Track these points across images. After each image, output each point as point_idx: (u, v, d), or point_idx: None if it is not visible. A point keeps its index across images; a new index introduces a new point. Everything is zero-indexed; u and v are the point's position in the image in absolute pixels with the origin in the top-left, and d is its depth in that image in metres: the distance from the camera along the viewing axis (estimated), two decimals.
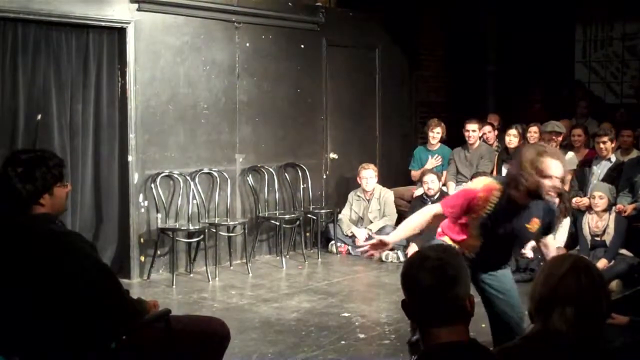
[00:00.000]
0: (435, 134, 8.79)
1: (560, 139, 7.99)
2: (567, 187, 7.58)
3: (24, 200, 3.04)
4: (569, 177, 7.78)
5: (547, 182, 4.09)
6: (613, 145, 7.63)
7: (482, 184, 4.27)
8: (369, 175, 8.39)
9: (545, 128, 8.01)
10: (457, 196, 4.33)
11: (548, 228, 4.43)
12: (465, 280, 2.28)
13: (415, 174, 8.94)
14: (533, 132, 8.38)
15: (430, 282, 2.22)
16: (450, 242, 4.32)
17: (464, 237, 4.29)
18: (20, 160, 3.08)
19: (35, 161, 3.08)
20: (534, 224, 4.28)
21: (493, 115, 9.87)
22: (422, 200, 7.91)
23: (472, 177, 7.73)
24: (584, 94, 10.76)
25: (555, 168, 4.10)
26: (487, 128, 8.98)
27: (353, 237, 8.36)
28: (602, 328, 2.43)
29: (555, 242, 7.08)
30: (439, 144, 8.94)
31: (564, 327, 2.31)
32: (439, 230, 4.44)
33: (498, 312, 4.37)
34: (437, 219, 4.33)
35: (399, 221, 8.38)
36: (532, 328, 2.45)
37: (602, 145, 7.54)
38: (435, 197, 7.81)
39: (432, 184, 7.96)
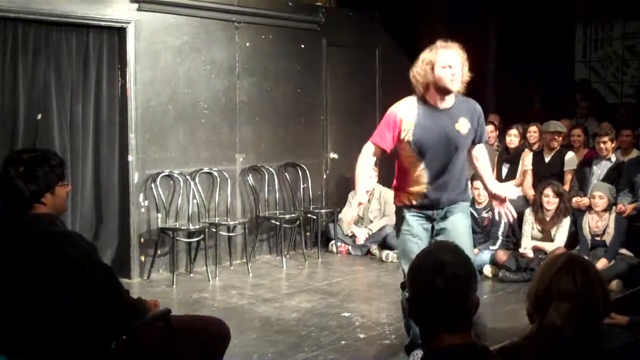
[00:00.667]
0: None
1: (561, 138, 7.99)
2: (567, 187, 7.60)
3: (26, 200, 3.04)
4: (569, 177, 7.79)
5: (445, 73, 4.23)
6: (613, 145, 7.63)
7: (399, 103, 4.42)
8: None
9: (547, 128, 8.01)
10: (380, 124, 4.44)
11: (479, 135, 4.51)
12: (476, 284, 2.25)
13: None
14: (533, 131, 8.38)
15: (443, 289, 2.17)
16: (406, 199, 4.48)
17: (409, 176, 4.42)
18: (22, 159, 3.08)
19: (37, 160, 3.08)
20: (463, 125, 4.38)
21: (493, 114, 9.86)
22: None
23: (472, 177, 7.71)
24: (590, 93, 10.75)
25: (447, 55, 4.27)
26: (490, 127, 8.96)
27: (353, 236, 8.36)
28: (600, 325, 2.44)
29: (556, 242, 7.10)
30: None
31: (559, 321, 2.32)
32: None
33: None
34: (379, 152, 4.45)
35: None
36: (531, 328, 2.45)
37: (602, 145, 7.53)
38: None
39: None
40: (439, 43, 4.33)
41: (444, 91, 4.28)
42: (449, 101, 4.34)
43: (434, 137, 4.31)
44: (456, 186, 4.48)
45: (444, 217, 4.51)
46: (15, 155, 3.16)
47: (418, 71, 4.30)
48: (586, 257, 6.60)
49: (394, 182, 4.61)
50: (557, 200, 7.12)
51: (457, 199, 4.51)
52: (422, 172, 4.40)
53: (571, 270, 2.37)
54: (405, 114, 4.34)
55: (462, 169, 4.57)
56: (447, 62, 4.24)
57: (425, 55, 4.32)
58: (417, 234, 4.51)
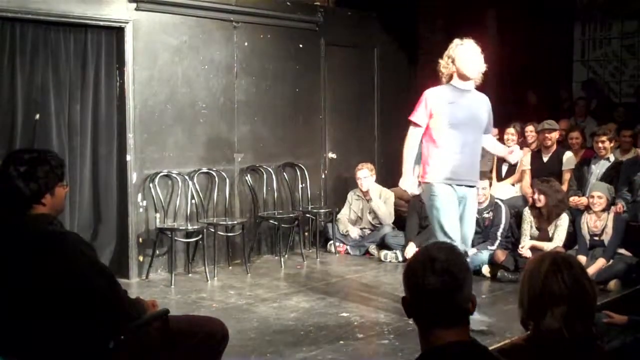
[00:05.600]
0: None
1: (552, 135, 7.92)
2: (565, 186, 7.60)
3: (26, 200, 3.03)
4: (567, 176, 7.79)
5: (467, 66, 5.22)
6: (612, 144, 7.62)
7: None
8: (363, 175, 8.32)
9: (539, 127, 8.01)
10: (417, 104, 5.41)
11: (488, 125, 5.58)
12: (470, 282, 2.25)
13: None
14: (530, 131, 8.37)
15: (438, 286, 2.17)
16: (438, 173, 5.37)
17: (438, 146, 5.29)
18: (22, 159, 3.07)
19: (38, 160, 3.07)
20: (483, 111, 5.45)
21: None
22: (420, 200, 7.89)
23: None
24: (596, 92, 10.75)
25: (469, 54, 5.24)
26: (495, 130, 8.94)
27: (347, 234, 8.35)
28: (594, 317, 2.44)
29: (555, 242, 7.10)
30: None
31: (556, 324, 2.32)
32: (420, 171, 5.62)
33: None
34: (419, 133, 5.45)
35: (396, 222, 8.37)
36: (529, 332, 2.45)
37: (600, 145, 7.53)
38: None
39: None
40: (465, 41, 5.31)
41: (465, 78, 5.32)
42: (471, 92, 5.39)
43: (463, 116, 5.30)
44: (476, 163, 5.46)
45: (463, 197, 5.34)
46: (16, 154, 3.14)
47: (445, 65, 5.34)
48: (584, 257, 6.65)
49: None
50: (543, 197, 7.07)
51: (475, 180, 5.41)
52: (452, 141, 5.29)
53: (558, 271, 2.37)
54: (440, 95, 5.38)
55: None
56: (468, 57, 5.33)
57: (447, 52, 5.31)
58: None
